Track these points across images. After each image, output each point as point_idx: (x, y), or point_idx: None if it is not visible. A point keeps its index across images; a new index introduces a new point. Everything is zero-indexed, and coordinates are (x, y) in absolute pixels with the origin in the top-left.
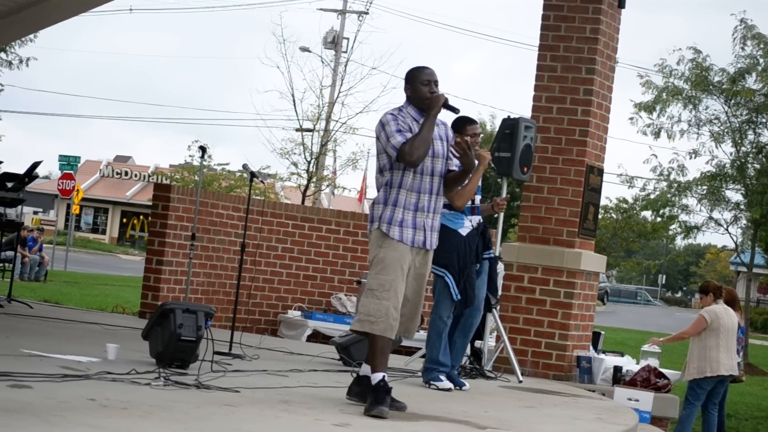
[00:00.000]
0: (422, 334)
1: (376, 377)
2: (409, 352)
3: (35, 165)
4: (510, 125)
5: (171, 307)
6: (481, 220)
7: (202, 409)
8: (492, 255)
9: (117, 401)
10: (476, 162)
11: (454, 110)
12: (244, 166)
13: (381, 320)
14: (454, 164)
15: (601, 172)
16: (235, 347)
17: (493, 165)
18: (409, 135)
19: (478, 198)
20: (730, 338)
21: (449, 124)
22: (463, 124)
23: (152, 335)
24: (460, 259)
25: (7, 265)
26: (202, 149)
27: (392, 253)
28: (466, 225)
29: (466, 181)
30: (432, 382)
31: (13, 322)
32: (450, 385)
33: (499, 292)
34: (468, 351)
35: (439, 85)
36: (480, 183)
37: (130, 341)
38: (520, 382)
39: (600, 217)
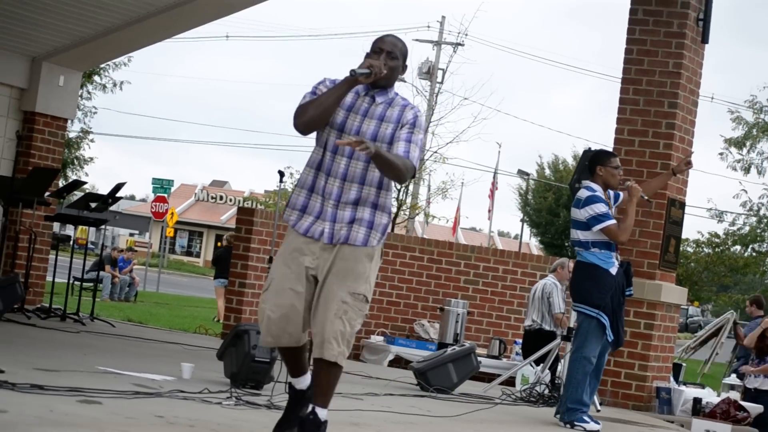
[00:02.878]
0: (504, 362)
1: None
2: (489, 378)
3: (119, 186)
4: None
5: (245, 329)
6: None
7: (269, 429)
8: (631, 293)
9: (184, 419)
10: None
11: (352, 73)
12: None
13: (262, 326)
14: (401, 149)
15: (682, 205)
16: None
17: (646, 198)
18: None
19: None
20: None
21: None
22: (607, 157)
23: (227, 356)
24: (614, 300)
25: (96, 284)
26: (281, 173)
27: (282, 247)
28: (615, 263)
29: (625, 216)
30: (577, 423)
31: (92, 339)
32: (598, 427)
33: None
34: (547, 378)
35: (398, 59)
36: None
37: (207, 361)
38: (599, 411)
39: (692, 251)
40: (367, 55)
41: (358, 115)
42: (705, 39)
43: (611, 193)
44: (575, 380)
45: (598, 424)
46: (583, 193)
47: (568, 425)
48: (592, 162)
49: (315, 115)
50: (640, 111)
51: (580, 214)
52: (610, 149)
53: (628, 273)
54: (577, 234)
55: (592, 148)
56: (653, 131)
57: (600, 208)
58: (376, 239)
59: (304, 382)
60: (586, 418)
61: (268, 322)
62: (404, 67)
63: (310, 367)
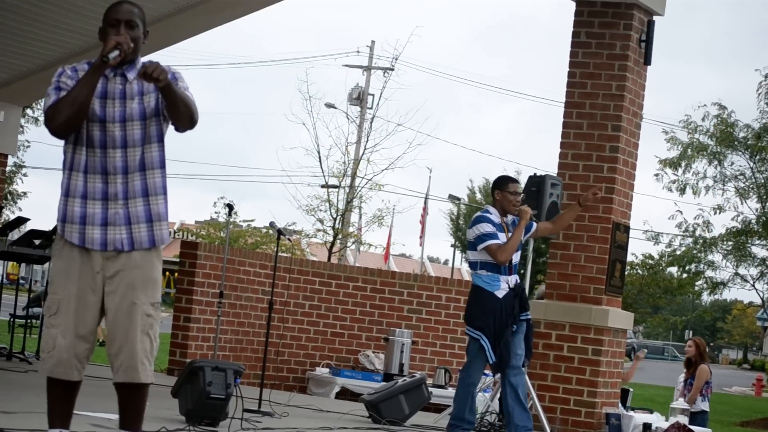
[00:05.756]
0: (450, 391)
1: None
2: (438, 409)
3: None
4: (536, 182)
5: (200, 365)
6: (518, 281)
7: None
8: (529, 317)
9: None
10: None
11: (105, 59)
12: (271, 224)
13: (49, 355)
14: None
15: (627, 229)
16: (264, 405)
17: (535, 220)
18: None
19: (516, 256)
20: None
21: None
22: (504, 182)
23: (182, 393)
24: (496, 322)
25: (35, 321)
26: (230, 207)
27: (59, 262)
28: (503, 287)
29: (509, 236)
30: None
31: (41, 379)
32: None
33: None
34: (497, 408)
35: (138, 26)
36: (522, 240)
37: (160, 398)
38: None
39: (626, 273)
40: (101, 31)
41: (116, 100)
42: (647, 60)
43: (510, 218)
44: (457, 398)
45: None
46: (476, 215)
47: None
48: (492, 186)
49: (72, 113)
50: (583, 135)
51: (470, 234)
52: (554, 174)
53: (521, 297)
54: (468, 254)
55: (538, 174)
56: (597, 155)
57: (485, 228)
58: (169, 230)
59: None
60: None
61: (59, 350)
62: (146, 33)
63: None
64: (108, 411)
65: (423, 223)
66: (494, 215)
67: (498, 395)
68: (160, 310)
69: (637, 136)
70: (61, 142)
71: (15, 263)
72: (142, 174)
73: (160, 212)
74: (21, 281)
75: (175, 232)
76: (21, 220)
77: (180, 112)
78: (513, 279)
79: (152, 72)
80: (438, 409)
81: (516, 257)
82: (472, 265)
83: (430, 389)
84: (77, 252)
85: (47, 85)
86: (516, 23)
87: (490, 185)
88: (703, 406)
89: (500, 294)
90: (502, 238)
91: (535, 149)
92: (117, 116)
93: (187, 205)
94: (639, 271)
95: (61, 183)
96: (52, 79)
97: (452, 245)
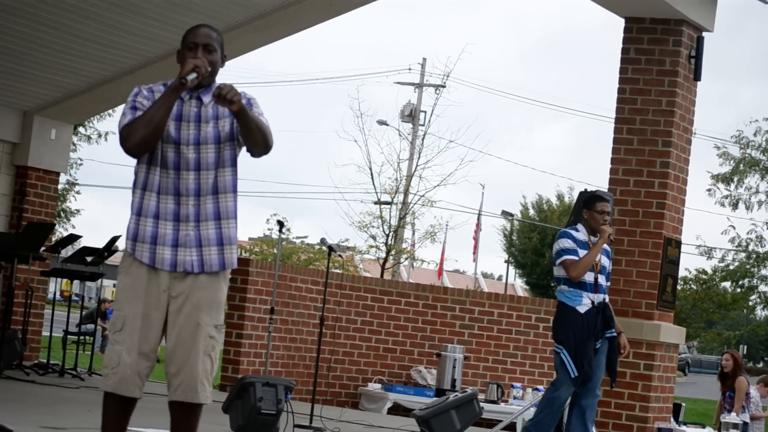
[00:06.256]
0: (502, 406)
1: None
2: (490, 424)
3: (114, 239)
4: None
5: (251, 381)
6: (605, 299)
7: None
8: (614, 334)
9: None
10: None
11: (183, 81)
12: (323, 241)
13: (113, 371)
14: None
15: (678, 244)
16: (315, 420)
17: (612, 239)
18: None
19: (602, 278)
20: None
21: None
22: (593, 201)
23: (232, 408)
24: (577, 337)
25: (87, 338)
26: (280, 223)
27: (126, 279)
28: (585, 302)
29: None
30: None
31: (93, 395)
32: None
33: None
34: None
35: (216, 51)
36: (610, 267)
37: (211, 414)
38: None
39: (680, 288)
40: (179, 53)
41: (190, 123)
42: (697, 76)
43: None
44: (538, 413)
45: None
46: (561, 230)
47: None
48: (582, 204)
49: (147, 134)
50: (634, 150)
51: (553, 249)
52: (605, 190)
53: (605, 314)
54: (554, 270)
55: (588, 190)
56: (648, 170)
57: (564, 243)
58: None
59: None
60: None
61: (124, 366)
62: (224, 58)
63: None
64: (154, 426)
65: (476, 239)
66: (581, 233)
67: None
68: (222, 332)
69: (687, 152)
70: (116, 162)
71: (68, 280)
72: (214, 197)
73: (231, 236)
74: (74, 298)
75: None
76: (73, 238)
77: (254, 137)
78: (598, 297)
79: (226, 94)
80: (487, 423)
81: (601, 278)
82: (557, 281)
83: (481, 404)
84: (145, 270)
85: (97, 103)
86: (565, 39)
87: (544, 201)
88: (744, 417)
89: (582, 309)
90: (583, 255)
91: (587, 164)
92: (191, 139)
93: (240, 221)
94: (692, 286)
95: (132, 202)
96: (128, 98)
97: (506, 261)
